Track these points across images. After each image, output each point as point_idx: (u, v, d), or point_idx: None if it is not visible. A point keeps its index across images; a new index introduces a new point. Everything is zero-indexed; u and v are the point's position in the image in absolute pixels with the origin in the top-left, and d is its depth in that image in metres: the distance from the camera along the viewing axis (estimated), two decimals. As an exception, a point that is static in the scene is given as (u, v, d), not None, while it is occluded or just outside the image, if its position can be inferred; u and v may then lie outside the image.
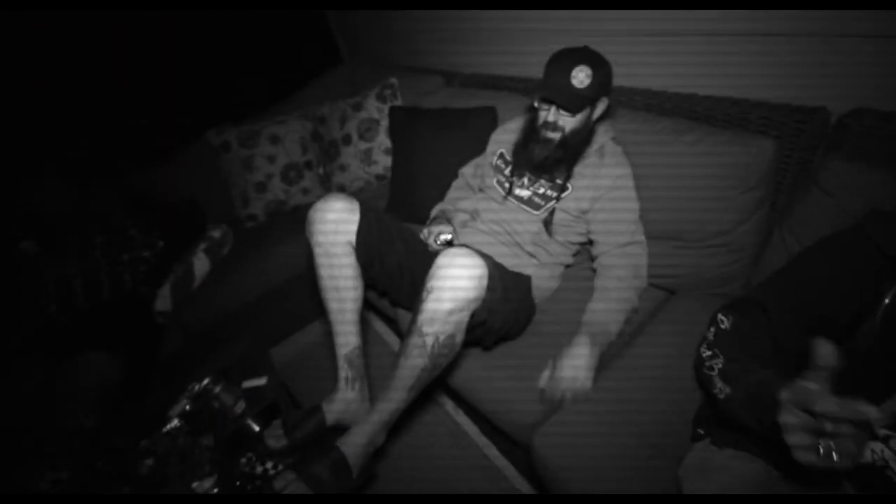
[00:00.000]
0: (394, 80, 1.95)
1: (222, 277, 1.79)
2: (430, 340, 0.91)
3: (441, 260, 0.91)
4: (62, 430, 1.07)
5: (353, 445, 0.97)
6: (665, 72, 1.26)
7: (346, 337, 1.13)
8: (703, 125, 1.11)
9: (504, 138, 1.34)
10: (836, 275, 0.73)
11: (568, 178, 1.16)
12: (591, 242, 1.21)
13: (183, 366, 1.46)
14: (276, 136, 2.02)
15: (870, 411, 0.46)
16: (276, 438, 1.05)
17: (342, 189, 2.00)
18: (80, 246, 1.68)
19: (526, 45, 1.60)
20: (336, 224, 1.08)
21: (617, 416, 0.92)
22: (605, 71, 1.05)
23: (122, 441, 1.07)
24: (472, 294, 0.90)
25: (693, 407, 0.89)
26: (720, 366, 0.71)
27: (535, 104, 1.12)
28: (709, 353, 0.75)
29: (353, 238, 1.10)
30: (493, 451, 1.34)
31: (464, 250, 0.93)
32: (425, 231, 1.27)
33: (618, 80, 1.11)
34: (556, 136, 1.10)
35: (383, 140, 1.90)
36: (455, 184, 1.52)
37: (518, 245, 1.23)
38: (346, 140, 1.95)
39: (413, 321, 0.94)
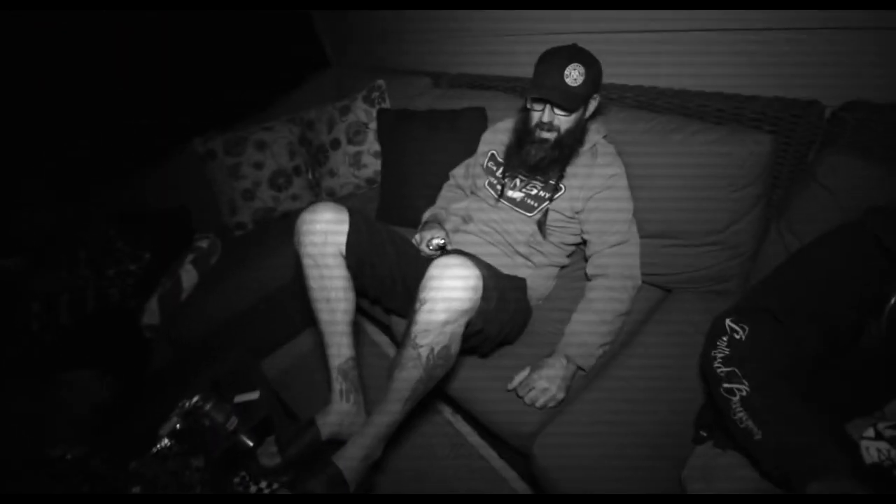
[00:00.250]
0: (381, 83, 1.92)
1: (211, 288, 1.75)
2: (424, 352, 0.89)
3: (433, 270, 0.89)
4: (44, 462, 1.03)
5: (350, 459, 0.94)
6: (654, 70, 1.25)
7: (339, 348, 1.11)
8: (695, 121, 1.09)
9: (495, 139, 1.32)
10: (838, 273, 0.71)
11: (561, 178, 1.14)
12: (584, 243, 1.19)
13: (173, 381, 1.43)
14: (263, 143, 1.98)
15: None
16: (269, 456, 1.02)
17: (332, 194, 1.97)
18: (65, 262, 1.64)
19: (514, 44, 1.59)
20: (325, 234, 1.06)
21: (616, 415, 0.92)
22: (597, 69, 1.04)
23: (109, 467, 1.03)
24: (466, 305, 0.88)
25: (692, 406, 0.88)
26: (744, 393, 0.66)
27: (528, 105, 1.10)
28: (726, 369, 0.70)
29: (342, 247, 1.08)
30: (491, 454, 1.32)
31: (457, 259, 0.91)
32: (417, 236, 1.25)
33: (608, 78, 1.10)
34: (551, 135, 1.08)
35: (372, 143, 1.87)
36: (446, 186, 1.50)
37: (512, 247, 1.21)
38: (335, 144, 1.92)
39: (407, 332, 0.92)
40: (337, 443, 1.02)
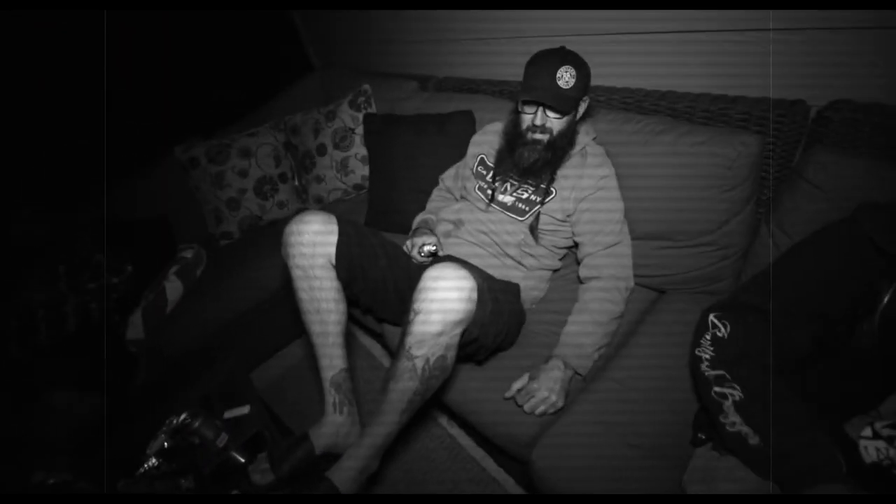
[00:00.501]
0: (367, 87, 1.90)
1: (197, 299, 1.71)
2: (420, 363, 0.87)
3: (427, 281, 0.87)
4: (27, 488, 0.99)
5: (346, 471, 0.92)
6: (641, 71, 1.25)
7: (332, 360, 1.08)
8: (683, 123, 1.10)
9: (484, 142, 1.31)
10: (829, 269, 0.72)
11: (552, 181, 1.14)
12: (576, 245, 1.19)
13: (159, 397, 1.39)
14: (248, 149, 1.95)
15: None
16: (261, 474, 1.00)
17: (319, 200, 1.95)
18: (44, 277, 1.58)
19: (500, 46, 1.58)
20: (313, 245, 1.03)
21: (613, 417, 0.92)
22: (586, 71, 1.04)
23: (95, 489, 0.99)
24: (462, 315, 0.87)
25: (690, 407, 0.88)
26: (737, 398, 0.66)
27: (520, 107, 1.10)
28: (714, 372, 0.70)
29: (332, 257, 1.05)
30: (490, 463, 1.30)
31: (451, 267, 0.89)
32: (409, 243, 1.23)
33: (595, 80, 1.09)
34: (544, 137, 1.08)
35: (359, 148, 1.85)
36: (436, 191, 1.49)
37: (504, 252, 1.20)
38: (321, 150, 1.89)
39: (401, 343, 0.90)
40: (332, 457, 1.00)
